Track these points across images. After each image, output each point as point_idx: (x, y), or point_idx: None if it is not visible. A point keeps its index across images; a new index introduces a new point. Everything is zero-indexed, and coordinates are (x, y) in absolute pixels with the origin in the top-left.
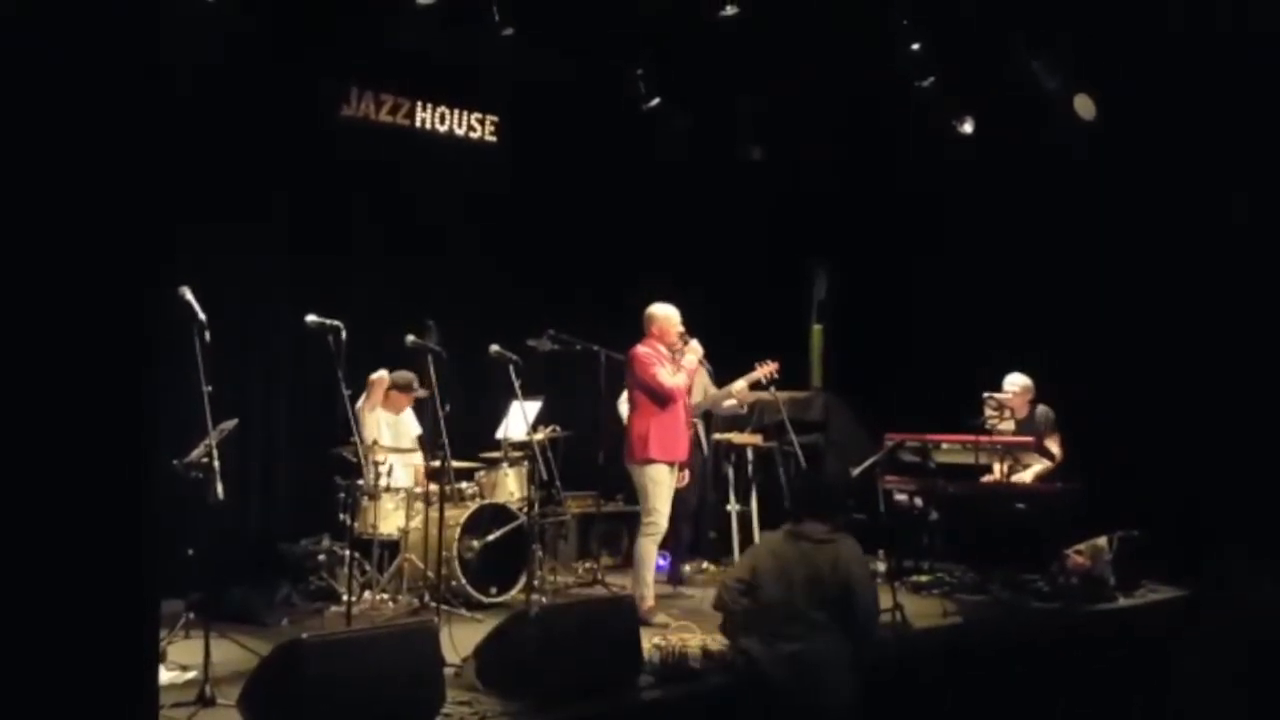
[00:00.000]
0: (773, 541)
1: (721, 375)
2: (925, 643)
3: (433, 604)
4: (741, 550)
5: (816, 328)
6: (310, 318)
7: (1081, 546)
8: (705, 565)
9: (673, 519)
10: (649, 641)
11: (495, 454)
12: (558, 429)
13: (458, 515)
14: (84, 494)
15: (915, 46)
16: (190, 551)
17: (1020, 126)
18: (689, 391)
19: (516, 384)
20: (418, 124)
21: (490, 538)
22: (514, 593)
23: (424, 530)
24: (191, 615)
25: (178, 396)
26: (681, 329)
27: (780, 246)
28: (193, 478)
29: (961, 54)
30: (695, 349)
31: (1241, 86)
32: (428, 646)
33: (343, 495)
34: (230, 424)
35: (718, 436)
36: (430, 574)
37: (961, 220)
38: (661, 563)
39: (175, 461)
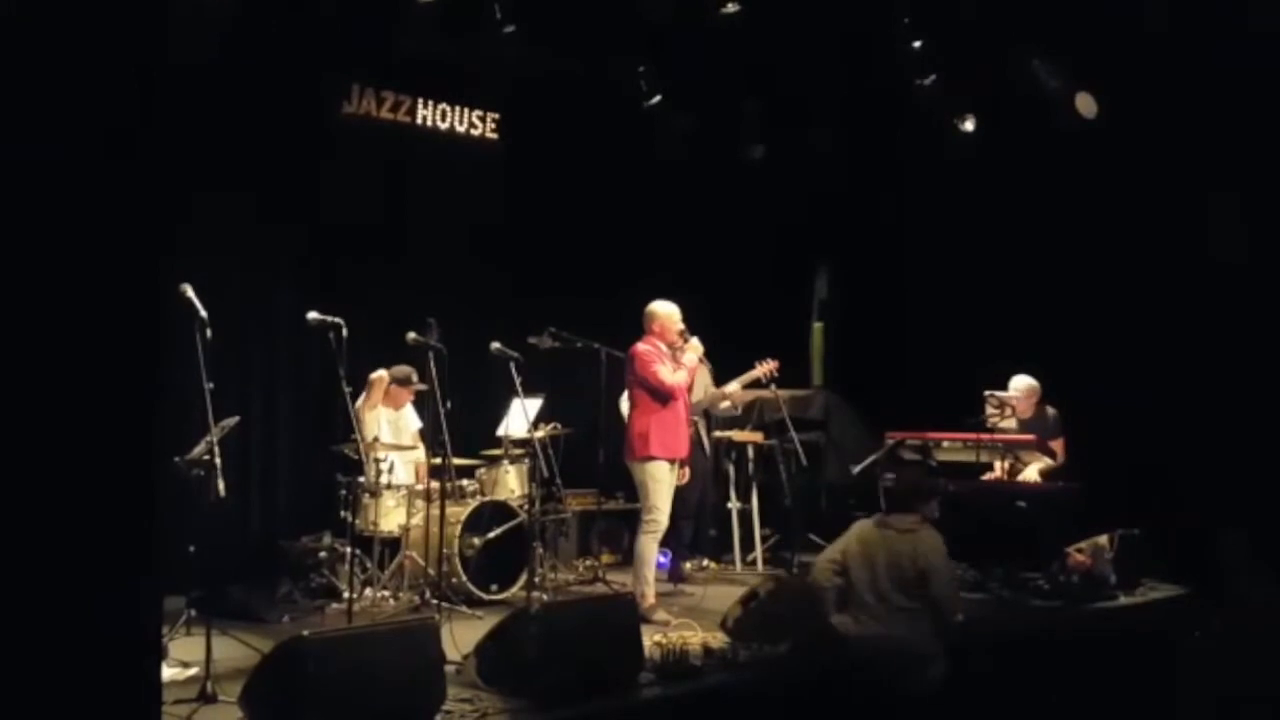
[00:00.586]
0: (863, 528)
1: (722, 374)
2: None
3: (434, 601)
4: (742, 548)
5: (817, 326)
6: (311, 315)
7: (1082, 545)
8: (706, 563)
9: (673, 517)
10: (650, 639)
11: (496, 451)
12: (559, 426)
13: (459, 513)
14: (87, 491)
15: (916, 45)
16: (192, 548)
17: (1022, 125)
18: (689, 389)
19: (517, 381)
20: (419, 121)
21: (491, 535)
22: (515, 590)
23: (425, 527)
24: (193, 612)
25: (179, 394)
26: (682, 326)
27: (781, 245)
28: (194, 475)
29: (962, 52)
30: (695, 346)
31: (1241, 87)
32: (429, 644)
33: (344, 492)
34: (231, 421)
35: (719, 434)
36: (431, 571)
37: (962, 219)
38: (662, 560)
39: (177, 459)
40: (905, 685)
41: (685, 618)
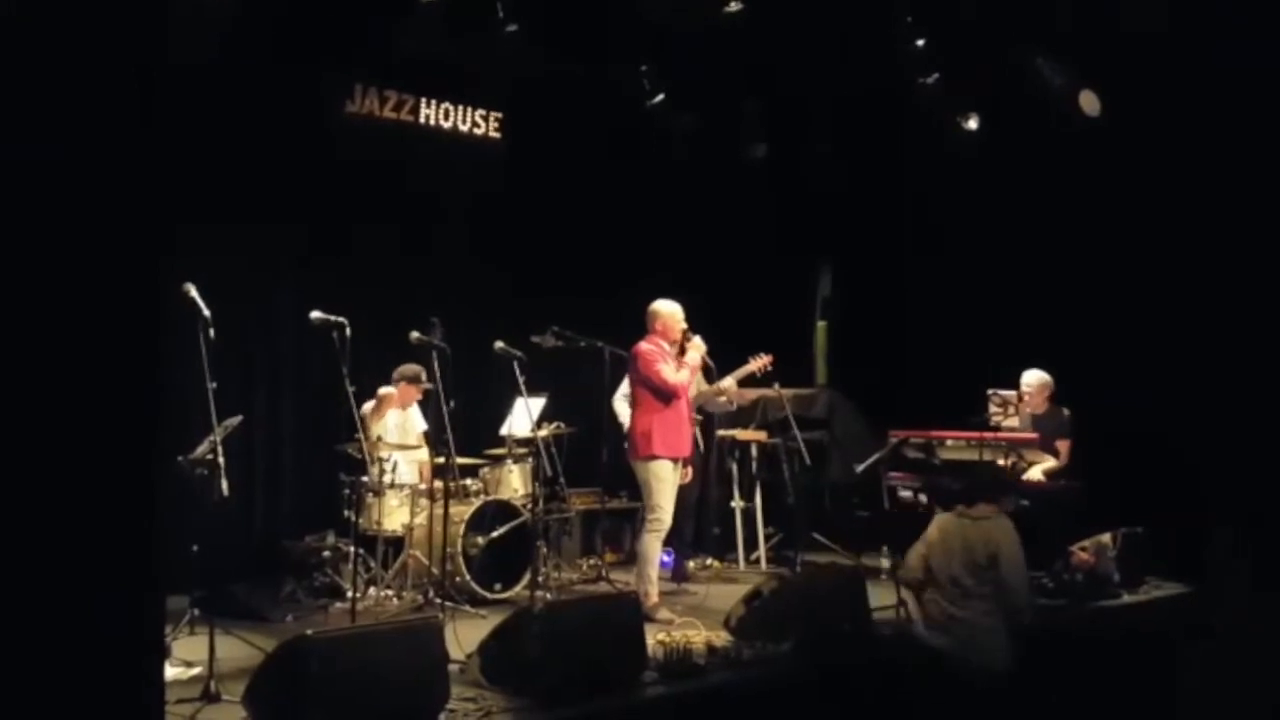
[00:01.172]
0: (944, 518)
1: (724, 374)
2: (929, 639)
3: (437, 600)
4: (746, 547)
5: (821, 325)
6: (314, 314)
7: (1086, 543)
8: (709, 562)
9: (674, 515)
10: (653, 638)
11: (500, 450)
12: (562, 425)
13: (462, 512)
14: (91, 491)
15: (919, 43)
16: (195, 548)
17: (1025, 123)
18: None
19: (521, 380)
20: (422, 120)
21: (494, 534)
22: (518, 589)
23: (428, 527)
24: (196, 611)
25: (183, 393)
26: (685, 325)
27: (784, 244)
28: (198, 474)
29: (965, 51)
30: (698, 345)
31: (1243, 86)
32: (432, 643)
33: (347, 492)
34: (235, 420)
35: (722, 433)
36: (435, 570)
37: (966, 217)
38: (665, 559)
39: (180, 458)
40: (975, 665)
41: (689, 616)
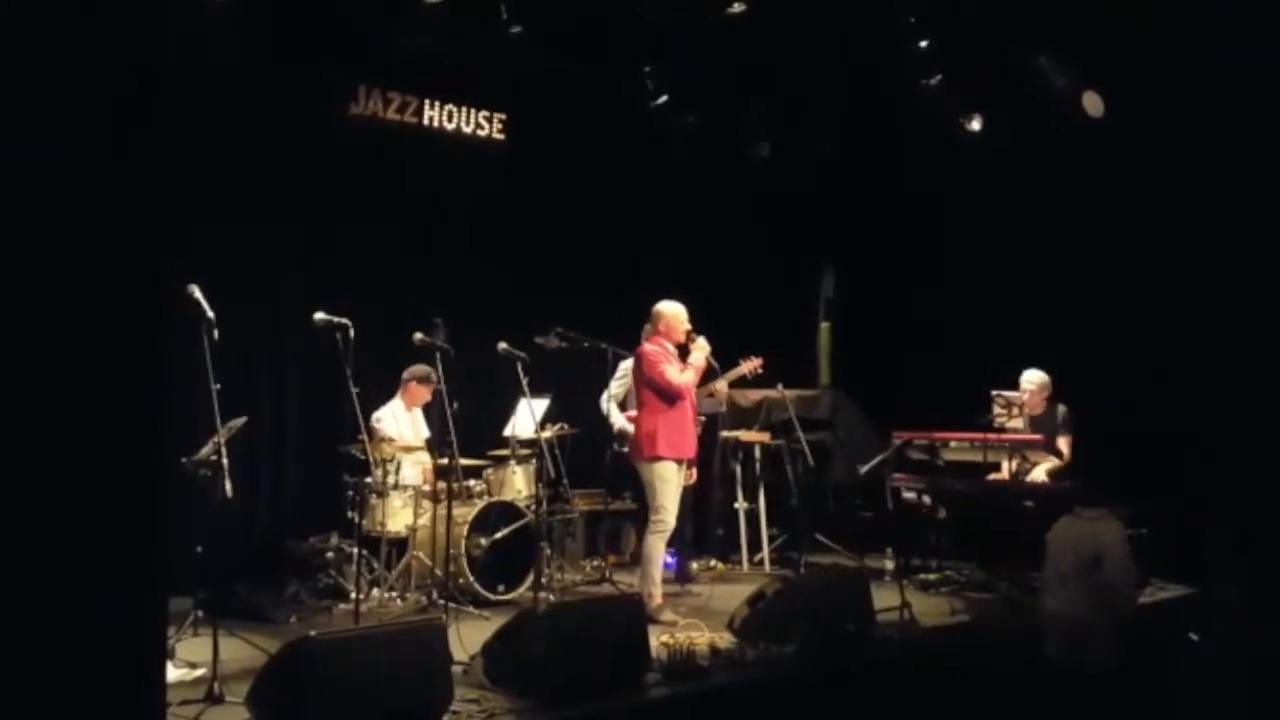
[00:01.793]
0: (1063, 519)
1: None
2: (933, 641)
3: (440, 602)
4: (749, 548)
5: (824, 326)
6: (318, 315)
7: None
8: (713, 563)
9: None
10: (656, 639)
11: (503, 452)
12: (565, 427)
13: (465, 513)
14: (90, 491)
15: (922, 44)
16: (199, 549)
17: (1027, 123)
18: None
19: (524, 381)
20: (425, 122)
21: (498, 535)
22: (521, 590)
23: (432, 528)
24: (200, 613)
25: (186, 394)
26: (689, 327)
27: (787, 244)
28: (201, 476)
29: (968, 52)
30: (702, 346)
31: (1243, 86)
32: (435, 644)
33: (351, 493)
34: (239, 422)
35: (725, 434)
36: (438, 572)
37: (969, 218)
38: (669, 560)
39: (184, 459)
40: (1077, 659)
41: (692, 618)
